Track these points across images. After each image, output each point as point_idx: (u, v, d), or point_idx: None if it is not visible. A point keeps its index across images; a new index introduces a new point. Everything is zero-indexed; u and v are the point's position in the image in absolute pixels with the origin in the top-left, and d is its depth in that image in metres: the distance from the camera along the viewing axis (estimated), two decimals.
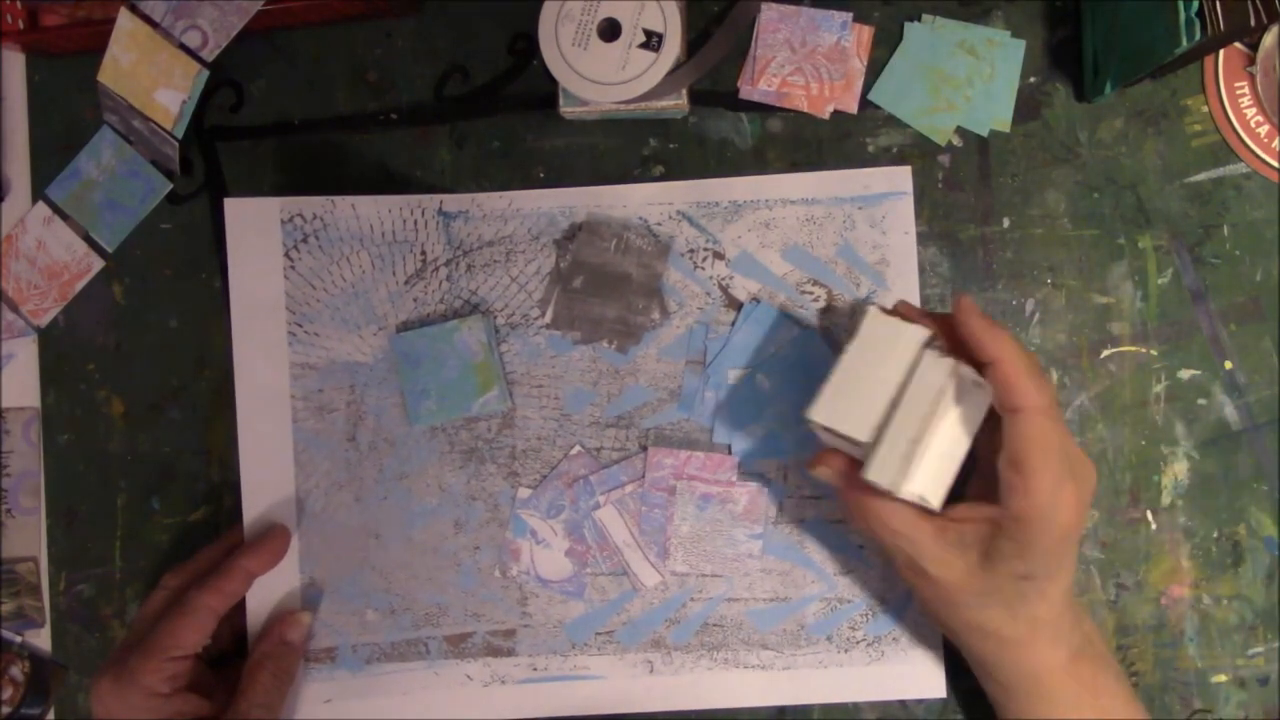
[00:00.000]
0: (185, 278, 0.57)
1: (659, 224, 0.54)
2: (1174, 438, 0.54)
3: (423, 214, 0.54)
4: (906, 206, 0.54)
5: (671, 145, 0.56)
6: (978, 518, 0.44)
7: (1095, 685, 0.46)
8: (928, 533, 0.44)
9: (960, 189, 0.55)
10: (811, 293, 0.54)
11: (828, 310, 0.54)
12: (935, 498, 0.44)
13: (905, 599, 0.53)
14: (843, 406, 0.45)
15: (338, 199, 0.54)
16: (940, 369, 0.44)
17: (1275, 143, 0.53)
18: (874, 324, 0.45)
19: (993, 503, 0.44)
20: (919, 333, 0.45)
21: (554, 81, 0.53)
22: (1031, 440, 0.42)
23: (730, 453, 0.53)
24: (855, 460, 0.46)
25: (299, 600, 0.54)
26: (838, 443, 0.47)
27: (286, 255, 0.54)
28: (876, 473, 0.43)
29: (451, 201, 0.54)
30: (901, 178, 0.54)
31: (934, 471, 0.44)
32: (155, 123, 0.53)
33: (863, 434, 0.44)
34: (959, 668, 0.53)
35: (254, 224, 0.54)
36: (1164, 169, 0.54)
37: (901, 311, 0.46)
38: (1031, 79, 0.55)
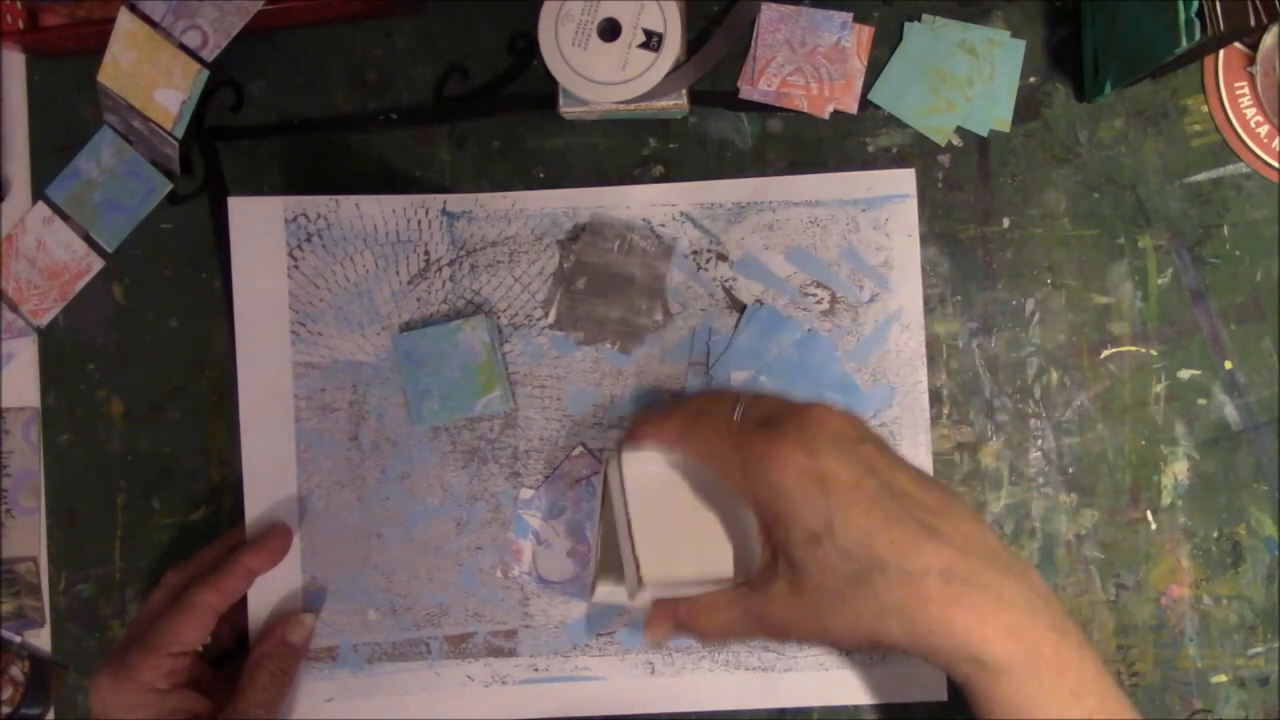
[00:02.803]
0: (185, 278, 0.57)
1: (662, 225, 0.54)
2: (1174, 438, 0.54)
3: (426, 214, 0.54)
4: (910, 209, 0.54)
5: (671, 145, 0.56)
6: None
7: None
8: (744, 605, 0.43)
9: (960, 189, 0.55)
10: (815, 295, 0.54)
11: (831, 312, 0.54)
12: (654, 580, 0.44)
13: None
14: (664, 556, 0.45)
15: (341, 198, 0.54)
16: (635, 463, 0.45)
17: (1275, 143, 0.53)
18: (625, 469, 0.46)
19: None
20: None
21: (554, 81, 0.53)
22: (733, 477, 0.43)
23: None
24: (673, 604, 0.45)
25: (300, 599, 0.54)
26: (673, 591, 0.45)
27: (290, 254, 0.54)
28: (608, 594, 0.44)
29: (455, 201, 0.54)
30: (905, 180, 0.54)
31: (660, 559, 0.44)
32: (155, 123, 0.53)
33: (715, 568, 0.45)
34: None
35: (257, 223, 0.54)
36: (1164, 169, 0.54)
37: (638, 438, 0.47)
38: (1031, 79, 0.55)
